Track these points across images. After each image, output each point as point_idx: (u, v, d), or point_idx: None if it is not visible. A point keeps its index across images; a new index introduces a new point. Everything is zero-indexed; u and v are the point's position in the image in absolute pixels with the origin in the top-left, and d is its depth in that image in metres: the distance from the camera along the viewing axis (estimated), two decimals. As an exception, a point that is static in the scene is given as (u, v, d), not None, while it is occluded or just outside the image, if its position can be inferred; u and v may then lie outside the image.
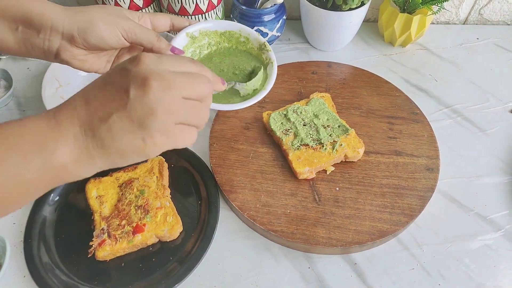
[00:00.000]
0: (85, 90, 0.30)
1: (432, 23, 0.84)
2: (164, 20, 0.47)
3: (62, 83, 0.68)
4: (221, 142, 0.60)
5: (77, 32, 0.39)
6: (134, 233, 0.50)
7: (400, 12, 0.73)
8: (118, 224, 0.51)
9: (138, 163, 0.57)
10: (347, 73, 0.70)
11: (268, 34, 0.74)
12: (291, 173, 0.56)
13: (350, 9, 0.68)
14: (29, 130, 0.29)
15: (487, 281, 0.48)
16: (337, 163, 0.57)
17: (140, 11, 0.71)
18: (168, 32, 0.66)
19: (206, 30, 0.52)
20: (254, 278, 0.49)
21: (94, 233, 0.51)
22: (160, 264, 0.50)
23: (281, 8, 0.73)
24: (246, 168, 0.57)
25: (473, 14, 0.83)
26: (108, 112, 0.29)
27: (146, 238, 0.50)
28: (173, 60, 0.31)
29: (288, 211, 0.52)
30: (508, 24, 0.84)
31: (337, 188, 0.54)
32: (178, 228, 0.51)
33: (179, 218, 0.52)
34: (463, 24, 0.85)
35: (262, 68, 0.53)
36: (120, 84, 0.29)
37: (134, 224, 0.50)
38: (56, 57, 0.41)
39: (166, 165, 0.58)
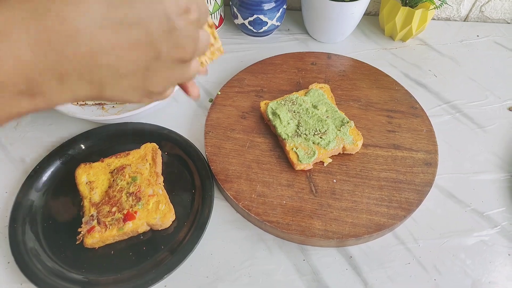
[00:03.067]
0: (100, 13, 0.22)
1: (433, 19, 0.84)
2: None
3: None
4: (217, 130, 0.59)
5: None
6: (124, 220, 0.48)
7: (402, 6, 0.72)
8: (108, 211, 0.49)
9: (131, 150, 0.56)
10: (347, 65, 0.69)
11: (267, 23, 0.73)
12: (288, 164, 0.55)
13: (352, 0, 0.67)
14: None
15: (483, 277, 0.48)
16: (335, 155, 0.56)
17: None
18: None
19: None
20: (247, 269, 0.48)
21: (83, 219, 0.49)
22: (151, 253, 0.48)
23: (282, -3, 0.72)
24: (242, 157, 0.56)
25: (474, 11, 0.82)
26: (126, 68, 0.24)
27: (137, 226, 0.48)
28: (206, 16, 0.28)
29: (284, 202, 0.51)
30: (508, 23, 0.84)
31: (334, 180, 0.53)
32: (171, 216, 0.50)
33: (171, 206, 0.50)
34: (464, 21, 0.84)
35: None
36: (154, 41, 0.24)
37: (125, 211, 0.49)
38: None
39: (159, 152, 0.56)
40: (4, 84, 0.21)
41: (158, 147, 0.56)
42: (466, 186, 0.56)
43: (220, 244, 0.50)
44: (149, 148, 0.56)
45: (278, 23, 0.75)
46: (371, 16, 0.83)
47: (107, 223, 0.48)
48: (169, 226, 0.50)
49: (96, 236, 0.47)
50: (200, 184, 0.54)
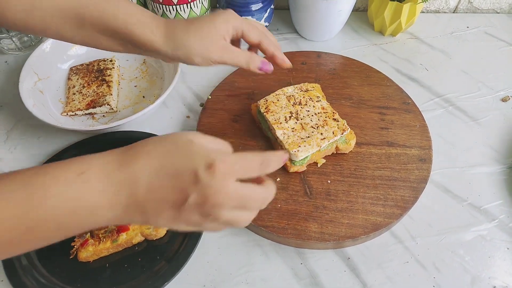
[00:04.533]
0: (152, 166, 0.31)
1: (422, 11, 0.83)
2: (255, 37, 0.47)
3: (41, 76, 0.64)
4: (209, 135, 0.58)
5: (177, 61, 0.46)
6: (118, 232, 0.48)
7: (390, 0, 0.71)
8: (101, 223, 0.48)
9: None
10: (337, 63, 0.69)
11: (255, 24, 0.72)
12: (282, 166, 0.54)
13: (339, -3, 0.66)
14: (90, 169, 0.33)
15: (482, 272, 0.47)
16: (328, 155, 0.55)
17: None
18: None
19: None
20: (244, 275, 0.47)
21: (75, 233, 0.48)
22: (146, 264, 0.47)
23: (269, -3, 0.71)
24: (235, 162, 0.55)
25: (463, 2, 0.82)
26: (165, 205, 0.31)
27: (131, 237, 0.48)
28: (242, 171, 0.32)
29: (279, 205, 0.50)
30: (498, 12, 0.83)
31: (329, 181, 0.53)
32: (165, 226, 0.49)
33: (165, 215, 0.50)
34: (453, 12, 0.84)
35: None
36: (185, 189, 0.30)
37: (118, 223, 0.48)
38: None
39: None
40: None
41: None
42: (462, 180, 0.56)
43: (216, 252, 0.49)
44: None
45: (267, 24, 0.74)
46: (360, 12, 0.83)
47: (100, 235, 0.47)
48: (163, 236, 0.50)
49: (90, 250, 0.47)
50: (193, 191, 0.53)
